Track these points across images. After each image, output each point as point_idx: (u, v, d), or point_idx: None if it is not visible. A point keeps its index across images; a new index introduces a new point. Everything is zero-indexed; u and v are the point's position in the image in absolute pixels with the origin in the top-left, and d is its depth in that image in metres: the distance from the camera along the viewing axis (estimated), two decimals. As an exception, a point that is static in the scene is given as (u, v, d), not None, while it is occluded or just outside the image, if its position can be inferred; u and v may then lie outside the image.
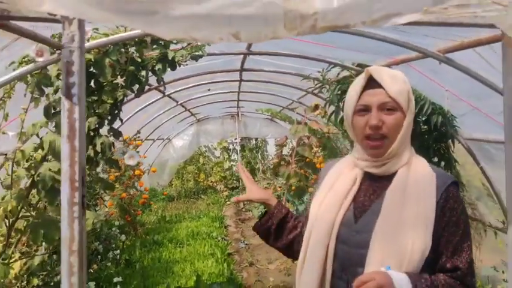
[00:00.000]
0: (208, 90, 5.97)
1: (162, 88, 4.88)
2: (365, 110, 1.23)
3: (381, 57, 3.34)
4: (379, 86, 1.22)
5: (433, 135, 3.72)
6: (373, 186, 1.27)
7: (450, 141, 3.74)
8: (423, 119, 3.65)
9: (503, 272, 3.29)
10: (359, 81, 1.27)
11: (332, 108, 4.07)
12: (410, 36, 2.54)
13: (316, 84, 4.30)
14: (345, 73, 3.88)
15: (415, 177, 1.21)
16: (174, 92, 5.44)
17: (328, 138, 7.02)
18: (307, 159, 6.49)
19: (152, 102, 5.35)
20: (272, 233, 1.51)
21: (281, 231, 1.50)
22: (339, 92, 3.91)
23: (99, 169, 3.39)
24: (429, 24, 1.76)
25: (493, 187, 3.67)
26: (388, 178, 1.25)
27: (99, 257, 3.96)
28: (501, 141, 3.01)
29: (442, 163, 3.80)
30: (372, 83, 1.24)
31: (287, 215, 1.50)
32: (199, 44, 2.69)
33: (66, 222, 0.76)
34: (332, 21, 0.78)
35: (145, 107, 5.27)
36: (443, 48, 2.57)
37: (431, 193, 1.18)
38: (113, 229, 4.18)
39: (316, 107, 5.75)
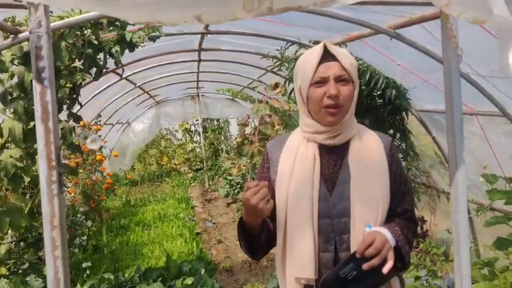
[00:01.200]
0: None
1: (119, 71, 4.78)
2: (322, 82, 1.27)
3: (336, 33, 3.44)
4: (334, 59, 1.28)
5: (388, 108, 3.92)
6: (332, 158, 1.34)
7: (404, 113, 3.96)
8: (378, 93, 3.83)
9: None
10: (314, 55, 1.29)
11: (292, 85, 4.16)
12: (362, 13, 2.65)
13: (275, 63, 4.37)
14: (302, 51, 3.97)
15: (367, 143, 1.35)
16: (131, 74, 5.33)
17: (290, 115, 7.19)
18: (270, 137, 6.65)
19: (110, 85, 5.23)
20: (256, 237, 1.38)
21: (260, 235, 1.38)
22: (298, 70, 4.01)
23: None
24: (378, 4, 1.87)
25: (444, 155, 3.94)
26: (342, 148, 1.34)
27: (65, 244, 3.92)
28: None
29: (397, 134, 4.03)
30: (327, 57, 1.29)
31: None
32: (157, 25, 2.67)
33: (46, 200, 0.80)
34: (286, 3, 0.85)
35: (102, 90, 5.14)
36: (393, 24, 2.70)
37: (382, 153, 1.34)
38: (78, 215, 4.13)
39: (276, 85, 5.84)
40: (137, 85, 6.29)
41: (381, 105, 3.92)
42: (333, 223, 1.28)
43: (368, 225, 1.25)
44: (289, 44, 3.94)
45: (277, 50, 4.11)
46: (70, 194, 4.15)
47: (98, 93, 5.03)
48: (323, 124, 1.31)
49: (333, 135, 1.32)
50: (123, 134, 9.26)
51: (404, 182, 1.39)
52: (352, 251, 1.25)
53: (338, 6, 2.51)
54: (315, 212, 1.28)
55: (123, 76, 5.18)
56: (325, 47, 1.30)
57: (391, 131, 4.01)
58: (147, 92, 7.51)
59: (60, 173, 0.80)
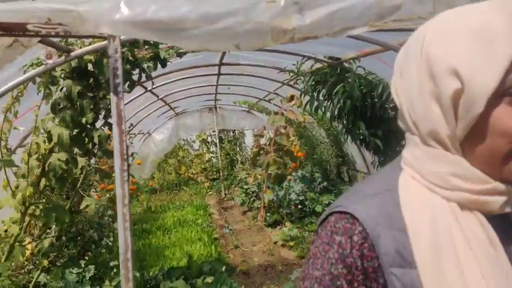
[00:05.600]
0: (228, 88, 6.20)
1: (145, 84, 5.10)
2: None
3: (350, 50, 3.68)
4: None
5: (399, 119, 4.10)
6: (502, 231, 0.66)
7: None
8: (391, 105, 4.04)
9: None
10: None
11: (307, 98, 4.40)
12: (374, 32, 2.88)
13: (292, 76, 4.61)
14: (318, 65, 4.22)
15: None
16: (156, 87, 5.66)
17: (304, 127, 7.41)
18: (285, 148, 6.87)
19: (136, 97, 5.56)
20: None
21: None
22: (313, 83, 4.25)
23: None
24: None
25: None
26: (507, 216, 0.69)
27: (92, 245, 4.19)
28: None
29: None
30: None
31: None
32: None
33: (119, 184, 1.04)
34: (305, 33, 1.09)
35: (129, 101, 5.48)
36: (403, 41, 2.92)
37: None
38: (105, 218, 4.41)
39: (292, 97, 6.10)
40: (160, 97, 6.62)
41: (393, 117, 4.11)
42: None
43: None
44: (305, 59, 4.18)
45: (294, 64, 4.35)
46: (97, 198, 4.43)
47: (125, 104, 5.35)
48: (504, 178, 0.62)
49: None
50: (143, 143, 9.62)
51: None
52: None
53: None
54: None
55: (148, 89, 5.51)
56: None
57: (404, 142, 4.19)
58: (168, 104, 7.85)
59: (128, 164, 1.05)
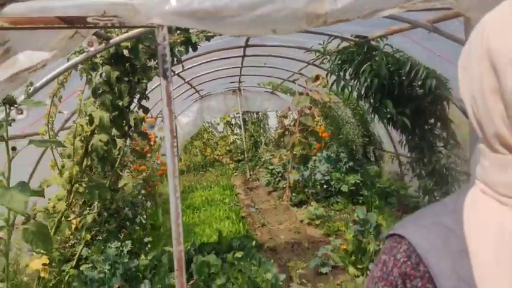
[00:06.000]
0: (265, 64, 6.25)
1: (174, 68, 5.23)
2: None
3: (377, 28, 3.67)
4: None
5: (429, 98, 4.06)
6: None
7: (445, 102, 4.10)
8: (419, 83, 4.00)
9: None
10: None
11: (333, 78, 4.41)
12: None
13: (318, 56, 4.61)
14: (344, 44, 4.21)
15: None
16: (183, 71, 5.78)
17: (330, 107, 7.41)
18: (310, 129, 6.91)
19: (163, 81, 5.71)
20: None
21: None
22: (340, 62, 4.26)
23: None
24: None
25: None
26: None
27: (127, 223, 4.43)
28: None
29: (438, 124, 4.18)
30: None
31: None
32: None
33: (170, 159, 1.16)
34: (337, 17, 1.16)
35: (157, 86, 5.63)
36: (432, 18, 2.91)
37: None
38: (139, 197, 4.63)
39: (317, 77, 6.11)
40: (186, 80, 6.75)
41: (422, 95, 4.06)
42: None
43: None
44: (332, 38, 4.18)
45: (320, 44, 4.36)
46: (133, 178, 4.65)
47: (155, 88, 5.51)
48: None
49: None
50: (170, 126, 9.85)
51: None
52: None
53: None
54: None
55: (176, 72, 5.63)
56: None
57: (432, 120, 4.16)
58: (194, 87, 7.99)
59: (176, 141, 1.15)
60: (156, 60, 2.66)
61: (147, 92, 3.12)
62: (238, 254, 3.72)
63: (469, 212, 0.58)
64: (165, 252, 3.83)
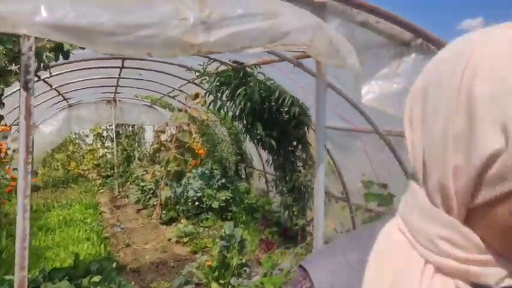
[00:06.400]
0: (140, 74, 5.93)
1: (39, 73, 4.77)
2: None
3: (252, 57, 3.96)
4: None
5: (293, 122, 4.54)
6: None
7: (305, 128, 4.62)
8: (285, 109, 4.44)
9: (341, 232, 4.26)
10: None
11: (211, 97, 4.60)
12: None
13: (198, 76, 4.74)
14: (223, 67, 4.43)
15: None
16: (50, 77, 5.31)
17: (207, 125, 7.59)
18: (187, 145, 6.95)
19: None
20: None
21: None
22: (218, 84, 4.46)
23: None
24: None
25: (335, 164, 4.64)
26: None
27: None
28: (340, 128, 3.93)
29: (299, 146, 4.67)
30: None
31: None
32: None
33: (22, 176, 1.09)
34: (210, 49, 1.27)
35: (17, 90, 5.05)
36: (297, 55, 3.28)
37: None
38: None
39: (197, 95, 6.24)
40: (53, 87, 6.19)
41: (287, 120, 4.52)
42: None
43: None
44: (212, 61, 4.36)
45: (200, 64, 4.50)
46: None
47: (13, 92, 4.93)
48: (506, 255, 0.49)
49: None
50: (29, 135, 8.81)
51: None
52: None
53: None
54: None
55: (42, 78, 5.14)
56: None
57: (295, 143, 4.65)
58: (62, 94, 7.35)
59: (32, 156, 1.10)
60: (19, 65, 2.44)
61: (2, 98, 2.81)
62: (96, 278, 3.46)
63: (379, 243, 0.55)
64: (5, 281, 3.38)
